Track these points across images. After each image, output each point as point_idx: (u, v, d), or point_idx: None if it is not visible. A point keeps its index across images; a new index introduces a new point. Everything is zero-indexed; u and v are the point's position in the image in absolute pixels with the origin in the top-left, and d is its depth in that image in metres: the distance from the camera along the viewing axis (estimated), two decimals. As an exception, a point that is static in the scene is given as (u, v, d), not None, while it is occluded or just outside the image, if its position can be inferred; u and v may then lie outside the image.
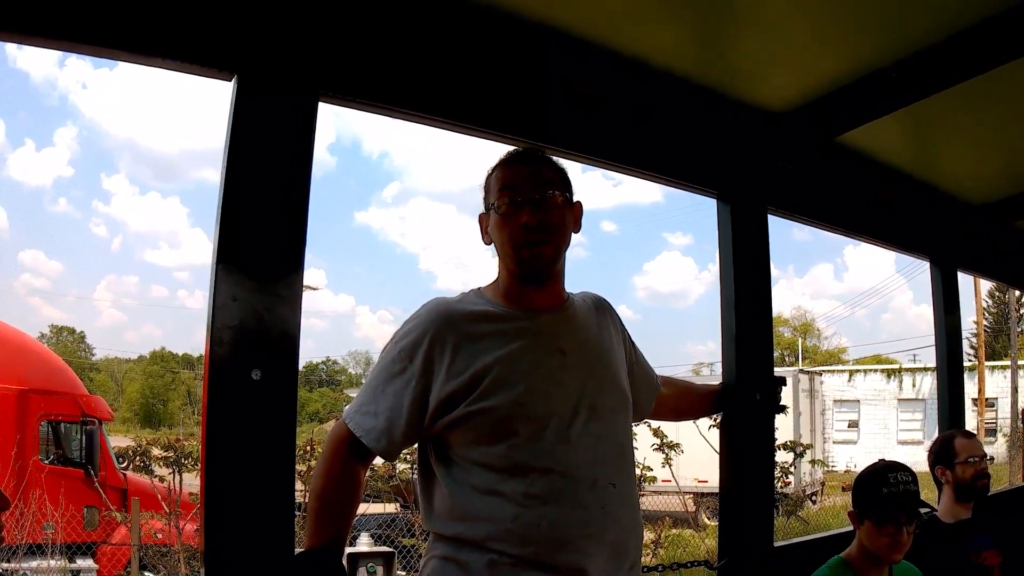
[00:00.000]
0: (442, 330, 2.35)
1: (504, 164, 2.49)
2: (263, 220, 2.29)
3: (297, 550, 2.28)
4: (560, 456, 2.28)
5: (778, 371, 3.78)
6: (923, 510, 3.27)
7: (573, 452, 2.30)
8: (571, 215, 2.50)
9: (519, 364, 2.33)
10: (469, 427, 2.29)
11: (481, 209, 2.54)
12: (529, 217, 2.36)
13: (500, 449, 2.27)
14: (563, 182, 2.50)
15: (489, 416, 2.27)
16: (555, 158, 2.59)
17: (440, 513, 2.36)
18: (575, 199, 2.54)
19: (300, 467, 10.13)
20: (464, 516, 2.28)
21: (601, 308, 2.67)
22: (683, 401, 3.18)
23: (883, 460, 3.40)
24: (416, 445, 2.47)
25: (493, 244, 2.50)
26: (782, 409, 3.56)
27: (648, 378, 2.87)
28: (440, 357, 2.32)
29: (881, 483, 3.20)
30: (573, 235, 2.54)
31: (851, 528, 3.39)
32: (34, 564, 11.24)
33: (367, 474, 2.49)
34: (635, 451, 2.62)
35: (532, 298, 2.47)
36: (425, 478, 2.44)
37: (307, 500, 2.42)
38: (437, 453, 2.38)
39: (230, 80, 2.30)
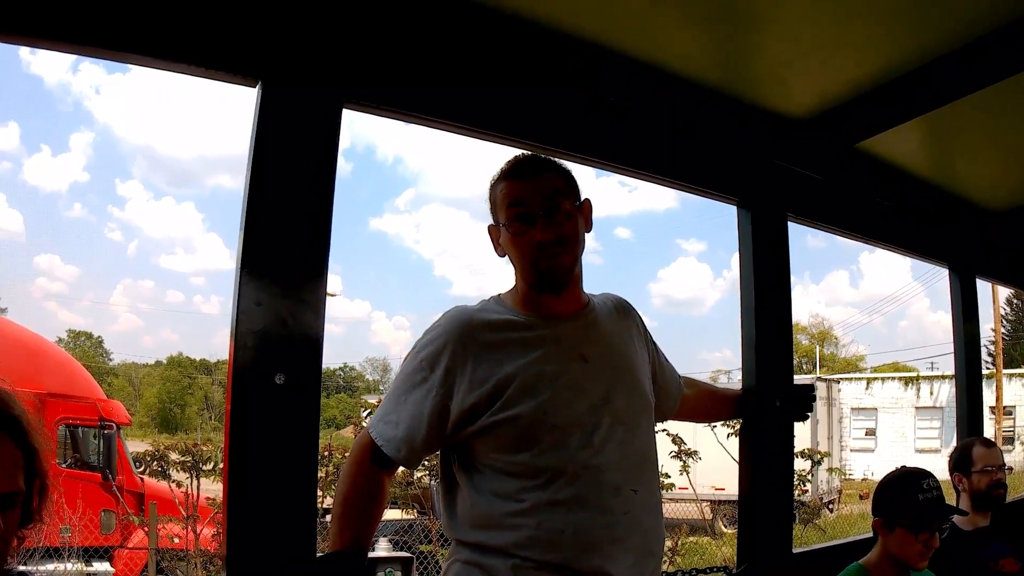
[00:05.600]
0: (463, 339, 2.34)
1: (508, 178, 2.46)
2: (287, 226, 2.31)
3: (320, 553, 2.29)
4: (584, 462, 2.27)
5: (797, 379, 3.76)
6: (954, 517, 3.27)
7: (597, 458, 2.29)
8: (582, 218, 2.48)
9: (542, 372, 2.32)
10: (493, 436, 2.28)
11: (490, 220, 2.53)
12: (543, 234, 2.35)
13: (524, 457, 2.26)
14: (570, 187, 2.47)
15: (514, 425, 2.26)
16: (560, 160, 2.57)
17: (463, 520, 2.35)
18: (583, 198, 2.51)
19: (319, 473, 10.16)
20: (488, 524, 2.28)
21: (623, 310, 2.66)
22: (705, 403, 3.18)
23: (907, 467, 3.39)
24: (438, 453, 2.47)
25: (507, 256, 2.49)
26: (804, 416, 3.56)
27: (672, 379, 2.86)
28: (462, 367, 2.31)
29: (915, 490, 3.20)
30: (587, 235, 2.52)
31: (869, 535, 3.38)
32: (51, 567, 11.29)
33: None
34: (658, 455, 2.62)
35: (551, 305, 2.45)
36: (448, 486, 2.44)
37: (332, 504, 2.42)
38: (460, 461, 2.38)
39: (255, 86, 2.32)
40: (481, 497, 2.31)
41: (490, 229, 2.53)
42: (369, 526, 2.33)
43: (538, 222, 2.36)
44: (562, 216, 2.39)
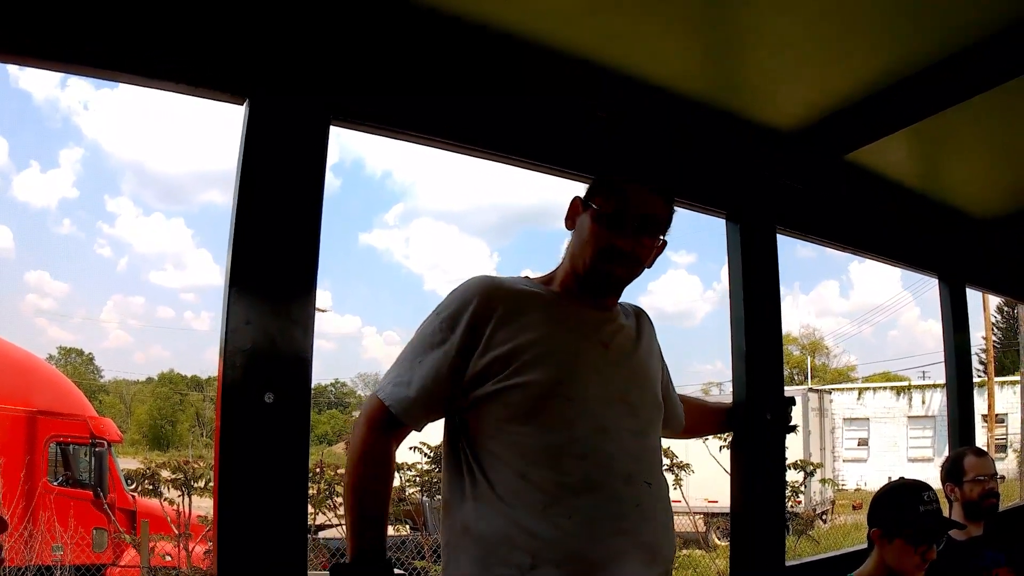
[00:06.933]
0: (487, 302, 2.31)
1: (629, 180, 2.45)
2: (275, 243, 2.30)
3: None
4: (596, 444, 2.24)
5: (787, 390, 3.76)
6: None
7: (610, 443, 2.26)
8: (656, 253, 2.50)
9: (561, 345, 2.32)
10: (503, 403, 2.25)
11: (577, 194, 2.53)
12: (625, 243, 2.36)
13: (533, 429, 2.22)
14: (667, 225, 2.49)
15: (526, 391, 2.23)
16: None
17: (467, 507, 2.28)
18: (665, 239, 2.52)
19: (310, 490, 10.11)
20: (492, 506, 2.22)
21: (642, 318, 2.67)
22: (695, 417, 3.13)
23: (905, 479, 3.40)
24: (443, 439, 2.45)
25: (573, 234, 2.49)
26: (792, 428, 3.55)
27: (676, 399, 2.89)
28: (482, 328, 2.29)
29: (917, 501, 3.20)
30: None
31: (863, 547, 3.38)
32: (43, 586, 11.26)
33: None
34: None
35: (583, 298, 2.46)
36: (451, 467, 2.39)
37: (343, 490, 2.39)
38: (467, 439, 2.33)
39: (242, 104, 2.32)
40: (487, 473, 2.26)
41: (576, 200, 2.52)
42: (385, 513, 2.30)
43: (626, 231, 2.37)
44: (648, 241, 2.41)
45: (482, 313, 2.30)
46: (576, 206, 2.51)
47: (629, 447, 2.30)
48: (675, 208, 2.53)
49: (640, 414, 2.39)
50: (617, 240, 2.36)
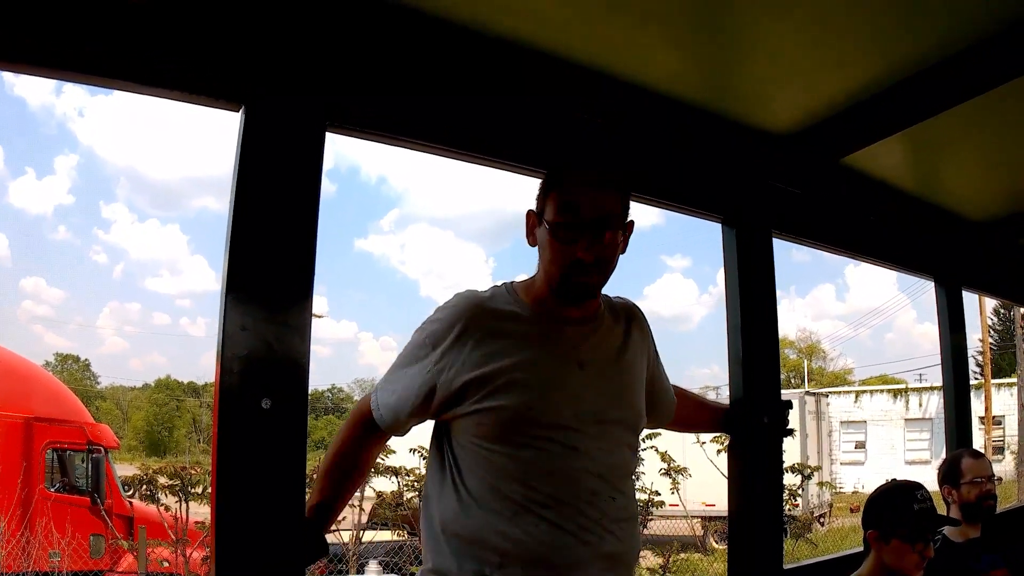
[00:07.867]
0: (467, 324, 2.33)
1: (571, 182, 2.37)
2: (272, 250, 2.30)
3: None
4: (564, 464, 2.28)
5: (784, 394, 3.77)
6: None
7: (579, 461, 2.30)
8: (624, 243, 2.44)
9: (535, 370, 2.32)
10: (476, 422, 2.30)
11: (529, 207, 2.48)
12: (585, 254, 2.29)
13: (504, 448, 2.27)
14: (624, 213, 2.41)
15: (496, 414, 2.27)
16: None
17: (446, 505, 2.35)
18: (629, 220, 2.45)
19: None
20: (468, 508, 2.30)
21: (631, 316, 2.63)
22: (687, 411, 3.08)
23: (897, 479, 3.40)
24: (431, 436, 2.51)
25: (537, 249, 2.45)
26: (790, 432, 3.55)
27: (667, 389, 2.87)
28: (459, 350, 2.32)
29: (911, 500, 3.22)
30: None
31: (860, 549, 3.38)
32: (41, 593, 11.23)
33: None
34: (639, 467, 2.61)
35: (563, 311, 2.44)
36: (435, 465, 2.46)
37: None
38: (448, 443, 2.40)
39: (238, 111, 2.32)
40: (463, 480, 2.33)
41: (529, 214, 2.47)
42: (344, 488, 2.55)
43: (584, 240, 2.30)
44: (608, 240, 2.33)
45: (462, 336, 2.33)
46: (531, 218, 2.47)
47: (599, 465, 2.34)
48: (627, 191, 2.47)
49: (614, 431, 2.41)
50: (578, 252, 2.30)
